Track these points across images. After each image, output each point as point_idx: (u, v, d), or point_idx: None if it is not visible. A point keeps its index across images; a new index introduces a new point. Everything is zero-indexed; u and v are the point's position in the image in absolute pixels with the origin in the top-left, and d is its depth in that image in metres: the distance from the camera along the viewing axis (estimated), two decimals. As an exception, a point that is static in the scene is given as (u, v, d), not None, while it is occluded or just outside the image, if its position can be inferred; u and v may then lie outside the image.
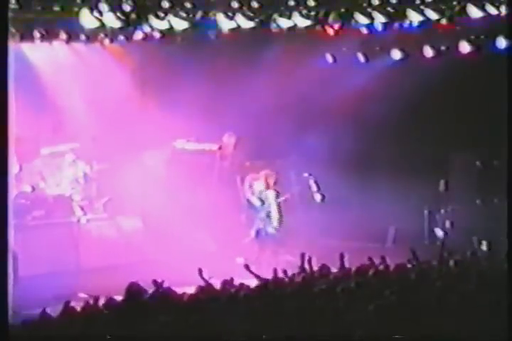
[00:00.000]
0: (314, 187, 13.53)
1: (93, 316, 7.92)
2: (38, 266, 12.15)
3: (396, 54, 12.99)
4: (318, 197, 13.50)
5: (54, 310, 8.20)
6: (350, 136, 14.05)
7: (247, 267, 9.21)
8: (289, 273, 9.21)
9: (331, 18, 11.86)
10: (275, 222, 12.84)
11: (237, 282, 8.80)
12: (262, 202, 12.86)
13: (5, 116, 8.22)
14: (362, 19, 11.67)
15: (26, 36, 10.72)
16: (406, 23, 11.81)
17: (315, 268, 9.24)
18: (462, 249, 10.14)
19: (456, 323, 7.47)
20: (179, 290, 8.53)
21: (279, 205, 12.86)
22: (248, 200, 13.06)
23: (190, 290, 8.61)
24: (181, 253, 12.69)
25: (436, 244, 12.73)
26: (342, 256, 9.39)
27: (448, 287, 8.24)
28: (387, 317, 7.54)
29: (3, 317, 7.55)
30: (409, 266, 9.22)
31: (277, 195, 12.84)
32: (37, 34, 10.74)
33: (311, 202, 13.56)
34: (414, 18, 11.61)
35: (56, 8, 10.35)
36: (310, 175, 13.53)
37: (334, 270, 9.23)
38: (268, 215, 12.83)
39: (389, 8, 11.56)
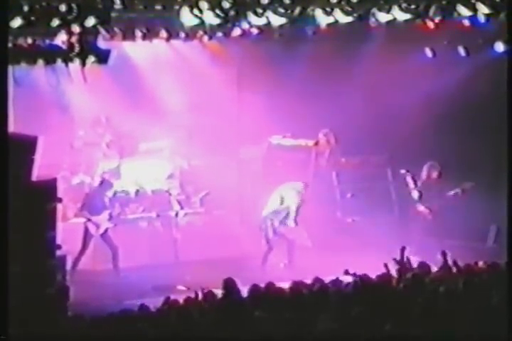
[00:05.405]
0: (412, 184, 13.70)
1: (192, 309, 8.34)
2: (137, 259, 12.81)
3: (500, 46, 12.85)
4: (415, 194, 13.67)
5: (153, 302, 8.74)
6: (450, 133, 14.04)
7: (346, 272, 9.47)
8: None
9: (431, 11, 11.90)
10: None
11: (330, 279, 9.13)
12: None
13: (4, 116, 8.70)
14: (464, 11, 11.62)
15: (128, 35, 11.27)
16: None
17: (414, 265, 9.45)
18: None
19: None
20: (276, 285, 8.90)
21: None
22: None
23: (285, 285, 8.98)
24: (276, 249, 13.11)
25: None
26: (444, 254, 9.48)
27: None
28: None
29: (3, 316, 7.94)
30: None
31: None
32: (138, 33, 11.28)
33: (408, 199, 13.73)
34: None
35: (158, 7, 10.85)
36: (407, 171, 13.70)
37: (434, 268, 9.39)
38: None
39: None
